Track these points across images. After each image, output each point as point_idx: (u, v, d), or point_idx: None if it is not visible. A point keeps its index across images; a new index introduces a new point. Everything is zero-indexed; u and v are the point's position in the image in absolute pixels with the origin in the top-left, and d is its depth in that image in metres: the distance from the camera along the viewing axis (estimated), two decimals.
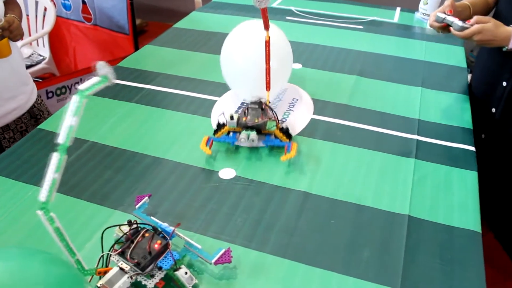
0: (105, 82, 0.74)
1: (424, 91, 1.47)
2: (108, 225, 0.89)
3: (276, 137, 1.19)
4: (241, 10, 2.11)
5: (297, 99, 1.41)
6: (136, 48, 2.59)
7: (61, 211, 0.97)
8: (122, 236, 0.85)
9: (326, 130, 1.28)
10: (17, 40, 1.44)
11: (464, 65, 1.65)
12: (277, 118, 1.23)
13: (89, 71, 2.52)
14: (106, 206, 1.02)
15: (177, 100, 1.44)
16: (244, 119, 1.18)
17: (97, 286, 0.79)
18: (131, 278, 0.80)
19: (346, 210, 1.02)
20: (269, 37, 1.18)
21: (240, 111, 1.28)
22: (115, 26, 2.71)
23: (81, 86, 0.72)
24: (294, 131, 1.27)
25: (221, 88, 1.48)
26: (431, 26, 1.31)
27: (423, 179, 1.11)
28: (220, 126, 1.20)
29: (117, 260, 0.82)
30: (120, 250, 0.83)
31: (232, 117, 1.18)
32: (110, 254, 0.83)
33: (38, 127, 1.32)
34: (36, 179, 1.10)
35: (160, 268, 0.82)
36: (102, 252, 0.84)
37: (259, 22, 1.20)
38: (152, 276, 0.82)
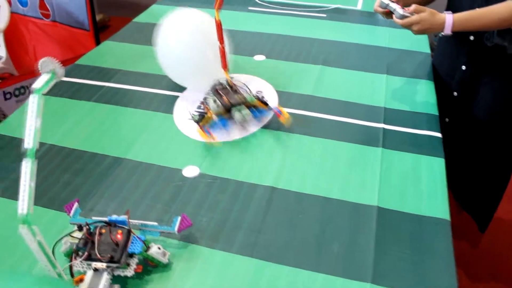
0: (55, 78, 0.76)
1: (389, 78, 1.46)
2: (69, 231, 0.85)
3: (256, 108, 1.23)
4: (202, 2, 2.06)
5: (261, 92, 1.38)
6: (98, 44, 2.52)
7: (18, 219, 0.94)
8: (79, 241, 0.83)
9: (291, 122, 1.25)
10: None
11: (428, 50, 1.65)
12: (250, 90, 1.26)
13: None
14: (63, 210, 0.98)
15: (138, 97, 1.39)
16: (225, 100, 1.20)
17: None
18: (110, 273, 0.80)
19: (314, 203, 1.00)
20: (219, 19, 1.28)
21: (208, 98, 1.25)
22: (75, 22, 2.62)
23: (35, 85, 0.73)
24: (259, 123, 1.25)
25: None
26: (375, 10, 1.30)
27: (391, 168, 1.10)
28: (202, 115, 1.20)
29: (87, 265, 0.81)
30: (86, 254, 0.80)
31: (214, 101, 1.21)
32: (71, 265, 0.81)
33: None
34: None
35: (131, 255, 0.83)
36: (57, 267, 0.78)
37: (186, 10, 1.36)
38: (128, 264, 0.82)
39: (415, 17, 1.18)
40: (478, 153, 1.47)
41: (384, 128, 1.23)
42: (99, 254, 0.80)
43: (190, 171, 1.09)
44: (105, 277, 0.79)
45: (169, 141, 1.20)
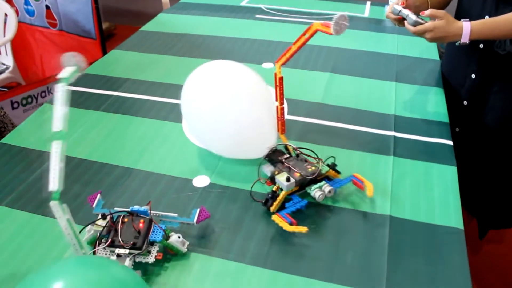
0: (78, 72, 0.82)
1: (399, 86, 1.45)
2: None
3: (329, 178, 1.04)
4: (209, 10, 2.07)
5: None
6: (104, 52, 2.52)
7: (29, 230, 0.94)
8: (103, 228, 0.87)
9: (300, 131, 1.25)
10: None
11: (437, 57, 1.64)
12: (318, 157, 1.05)
13: (57, 79, 2.44)
14: (76, 223, 0.97)
15: (147, 106, 1.38)
16: (296, 175, 0.98)
17: None
18: (132, 259, 0.83)
19: (327, 213, 0.99)
20: (281, 75, 1.13)
21: (273, 170, 1.02)
22: (82, 31, 2.63)
23: (60, 75, 0.79)
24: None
25: None
26: (387, 17, 1.29)
27: (403, 177, 1.09)
28: (273, 195, 0.98)
29: (110, 251, 0.84)
30: (109, 241, 0.84)
31: (288, 179, 0.97)
32: (95, 251, 0.84)
33: (1, 141, 1.25)
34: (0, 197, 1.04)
35: (152, 243, 0.86)
36: (83, 248, 0.83)
37: (219, 62, 1.14)
38: (149, 252, 0.85)
39: (428, 24, 1.16)
40: (489, 162, 1.46)
41: (395, 136, 1.22)
42: (122, 241, 0.83)
43: (201, 181, 1.08)
44: (128, 263, 0.82)
45: (179, 150, 1.19)
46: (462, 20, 1.18)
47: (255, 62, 1.60)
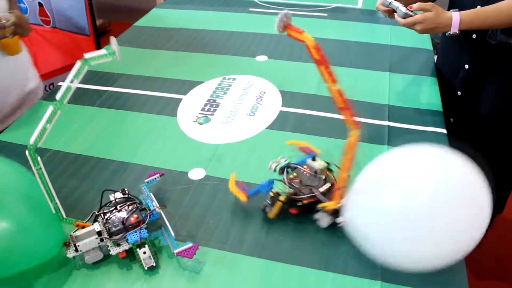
0: (111, 57, 0.82)
1: (392, 76, 1.46)
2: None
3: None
4: (202, 4, 2.07)
5: (264, 92, 1.38)
6: (98, 49, 2.51)
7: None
8: (110, 201, 0.92)
9: (295, 122, 1.25)
10: (26, 35, 1.43)
11: (430, 47, 1.64)
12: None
13: (52, 75, 2.43)
14: (73, 217, 0.97)
15: (141, 100, 1.39)
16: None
17: (70, 235, 0.86)
18: (99, 240, 0.85)
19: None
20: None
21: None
22: (75, 28, 2.62)
23: (86, 55, 0.80)
24: (263, 124, 1.24)
25: (186, 86, 1.44)
26: (377, 8, 1.29)
27: None
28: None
29: (100, 221, 0.88)
30: (106, 212, 0.89)
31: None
32: (98, 214, 0.89)
33: None
34: None
35: (127, 240, 0.85)
36: (99, 211, 0.90)
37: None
38: (119, 245, 0.86)
39: (418, 16, 1.17)
40: (484, 152, 1.46)
41: (389, 126, 1.23)
42: (106, 220, 0.87)
43: (196, 174, 1.09)
44: (92, 239, 0.85)
45: (174, 144, 1.20)
46: (451, 10, 1.19)
47: (248, 55, 1.60)
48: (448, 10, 1.21)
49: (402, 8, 1.19)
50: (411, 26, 1.19)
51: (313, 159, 1.00)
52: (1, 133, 1.27)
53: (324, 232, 0.93)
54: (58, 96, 0.79)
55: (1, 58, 1.37)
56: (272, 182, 0.96)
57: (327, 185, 0.94)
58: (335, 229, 0.93)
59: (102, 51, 0.81)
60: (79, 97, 1.41)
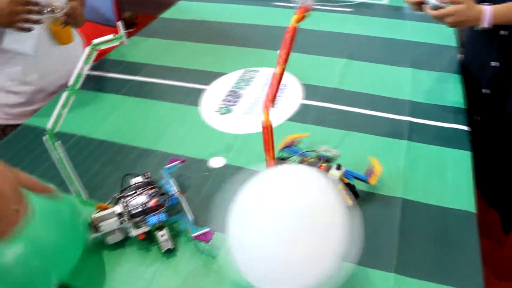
0: (117, 41, 0.85)
1: (415, 72, 1.45)
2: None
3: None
4: None
5: (286, 85, 1.39)
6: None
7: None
8: (130, 185, 0.95)
9: (317, 115, 1.26)
10: (79, 26, 1.47)
11: (455, 44, 1.63)
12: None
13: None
14: (94, 200, 1.00)
15: (165, 90, 1.41)
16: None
17: (91, 216, 0.88)
18: (120, 221, 0.88)
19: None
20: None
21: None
22: (102, 19, 2.67)
23: (95, 40, 0.82)
24: (284, 116, 1.26)
25: (209, 77, 1.46)
26: (406, 1, 1.27)
27: (416, 161, 1.09)
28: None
29: (121, 203, 0.90)
30: (127, 195, 0.92)
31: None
32: (119, 197, 0.92)
33: (25, 123, 1.30)
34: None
35: (146, 223, 0.88)
36: (120, 194, 0.93)
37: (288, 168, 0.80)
38: (138, 227, 0.88)
39: (449, 9, 1.15)
40: (509, 151, 1.45)
41: (410, 121, 1.22)
42: (128, 202, 0.90)
43: (217, 162, 1.11)
44: (113, 220, 0.88)
45: (196, 133, 1.22)
46: (482, 4, 1.17)
47: (270, 48, 1.62)
48: (479, 3, 1.19)
49: (433, 0, 1.18)
50: (442, 18, 1.17)
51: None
52: (34, 114, 1.33)
53: None
54: (70, 82, 0.82)
55: (54, 46, 1.40)
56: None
57: None
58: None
59: (110, 36, 0.84)
60: (105, 86, 1.44)
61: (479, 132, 1.42)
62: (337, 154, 1.00)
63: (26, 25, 1.23)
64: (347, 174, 0.98)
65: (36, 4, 1.23)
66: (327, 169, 0.96)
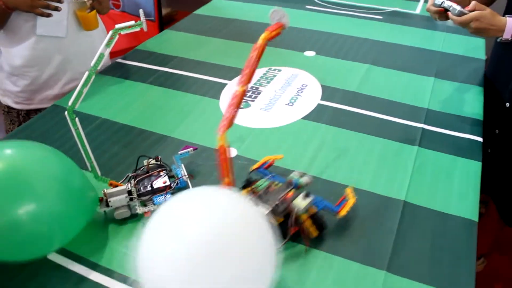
0: (139, 27, 0.90)
1: (437, 82, 1.45)
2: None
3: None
4: None
5: (306, 85, 1.42)
6: None
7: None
8: (142, 166, 1.02)
9: (331, 116, 1.29)
10: (104, 13, 1.50)
11: (483, 56, 1.62)
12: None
13: (116, 55, 2.57)
14: (110, 178, 1.05)
15: (189, 82, 1.47)
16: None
17: (103, 191, 0.94)
18: (128, 198, 0.94)
19: (342, 192, 1.03)
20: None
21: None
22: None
23: (117, 25, 0.87)
24: (300, 114, 1.29)
25: (232, 73, 1.50)
26: (427, 10, 1.27)
27: (424, 166, 1.10)
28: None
29: (132, 182, 0.97)
30: (138, 175, 0.99)
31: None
32: (131, 176, 0.99)
33: (55, 103, 1.37)
34: None
35: (153, 202, 0.94)
36: (132, 173, 1.00)
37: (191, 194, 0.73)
38: (145, 205, 0.94)
39: (474, 13, 1.15)
40: None
41: (423, 128, 1.23)
42: (137, 181, 0.96)
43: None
44: (122, 197, 0.94)
45: (213, 123, 1.24)
46: (506, 16, 1.17)
47: (297, 50, 1.65)
48: (504, 15, 1.20)
49: (456, 7, 1.18)
50: (466, 23, 1.18)
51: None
52: (63, 97, 1.41)
53: (337, 219, 0.95)
54: (92, 63, 0.87)
55: (80, 32, 1.46)
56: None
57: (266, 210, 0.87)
58: (348, 218, 0.96)
59: (131, 22, 0.89)
60: (134, 74, 1.51)
61: (498, 146, 1.41)
62: (309, 181, 0.93)
63: (46, 11, 1.29)
64: (317, 202, 0.91)
65: None
66: (294, 197, 0.88)
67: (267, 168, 1.03)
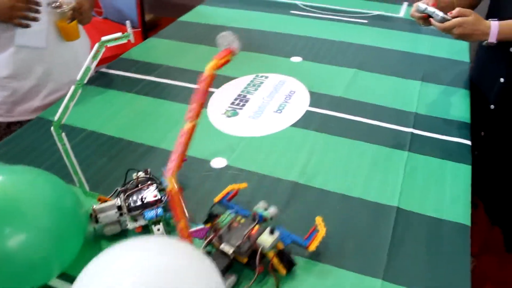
0: (125, 39, 0.89)
1: (424, 85, 1.46)
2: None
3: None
4: (247, 4, 2.11)
5: (294, 92, 1.41)
6: None
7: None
8: (131, 180, 0.99)
9: (320, 122, 1.28)
10: (85, 23, 1.48)
11: (467, 59, 1.63)
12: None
13: (99, 64, 2.54)
14: (98, 192, 1.03)
15: (175, 91, 1.45)
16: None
17: (92, 207, 0.91)
18: (118, 214, 0.91)
19: (334, 201, 1.02)
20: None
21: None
22: (125, 21, 2.73)
23: (104, 38, 0.86)
24: (288, 122, 1.28)
25: (219, 80, 1.49)
26: (411, 16, 1.27)
27: (415, 171, 1.10)
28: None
29: (121, 197, 0.94)
30: (128, 189, 0.95)
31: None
32: (120, 191, 0.96)
33: (38, 116, 1.35)
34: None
35: (144, 217, 0.91)
36: (121, 187, 0.97)
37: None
38: (136, 220, 0.92)
39: (456, 20, 1.15)
40: None
41: (412, 133, 1.23)
42: (126, 196, 0.93)
43: (218, 163, 1.13)
44: (112, 213, 0.91)
45: (201, 133, 1.22)
46: (490, 19, 1.18)
47: (283, 55, 1.64)
48: (486, 19, 1.20)
49: (439, 13, 1.18)
50: (449, 30, 1.18)
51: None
52: (46, 109, 1.38)
53: (332, 227, 0.94)
54: (78, 77, 0.85)
55: (62, 42, 1.43)
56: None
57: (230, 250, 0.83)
58: (343, 227, 0.96)
59: (118, 34, 0.88)
60: (118, 84, 1.49)
61: (483, 148, 1.42)
62: (274, 214, 0.89)
63: (24, 22, 1.26)
64: (284, 238, 0.87)
65: (37, 3, 1.27)
66: (259, 234, 0.84)
67: (230, 199, 0.98)
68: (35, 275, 0.77)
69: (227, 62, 0.83)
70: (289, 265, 0.85)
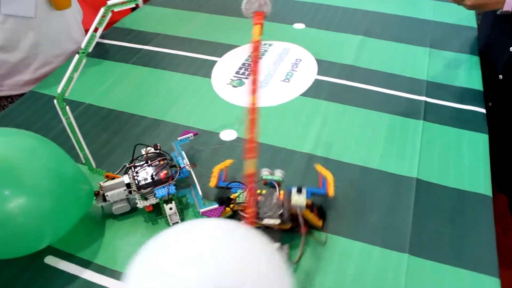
0: (133, 3, 0.82)
1: (433, 52, 1.41)
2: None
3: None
4: None
5: (300, 60, 1.36)
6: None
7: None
8: (140, 156, 0.92)
9: (331, 91, 1.23)
10: None
11: (475, 24, 1.58)
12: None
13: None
14: (103, 169, 0.98)
15: (176, 60, 1.38)
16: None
17: (99, 184, 0.86)
18: (127, 192, 0.87)
19: (352, 172, 0.98)
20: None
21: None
22: None
23: (109, 2, 0.79)
24: (297, 91, 1.23)
25: (222, 49, 1.42)
26: None
27: (432, 142, 1.07)
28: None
29: (130, 174, 0.88)
30: (136, 165, 0.89)
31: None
32: (128, 167, 0.90)
33: (32, 89, 1.28)
34: None
35: (155, 195, 0.85)
36: (130, 164, 0.90)
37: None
38: (146, 199, 0.86)
39: None
40: None
41: (426, 101, 1.19)
42: (135, 173, 0.88)
43: (228, 135, 1.08)
44: (121, 190, 0.86)
45: (207, 105, 1.19)
46: None
47: (286, 22, 1.57)
48: None
49: None
50: (461, 0, 1.14)
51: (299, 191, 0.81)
52: (39, 83, 1.30)
53: (353, 201, 0.92)
54: (83, 45, 0.79)
55: (52, 11, 1.35)
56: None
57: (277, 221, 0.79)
58: (364, 201, 0.92)
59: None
60: (114, 54, 1.41)
61: (491, 118, 1.39)
62: (283, 174, 0.88)
63: None
64: (307, 193, 0.83)
65: None
66: (287, 197, 0.81)
67: (225, 181, 0.92)
68: (25, 243, 0.73)
69: (262, 26, 0.77)
70: (322, 215, 0.86)
